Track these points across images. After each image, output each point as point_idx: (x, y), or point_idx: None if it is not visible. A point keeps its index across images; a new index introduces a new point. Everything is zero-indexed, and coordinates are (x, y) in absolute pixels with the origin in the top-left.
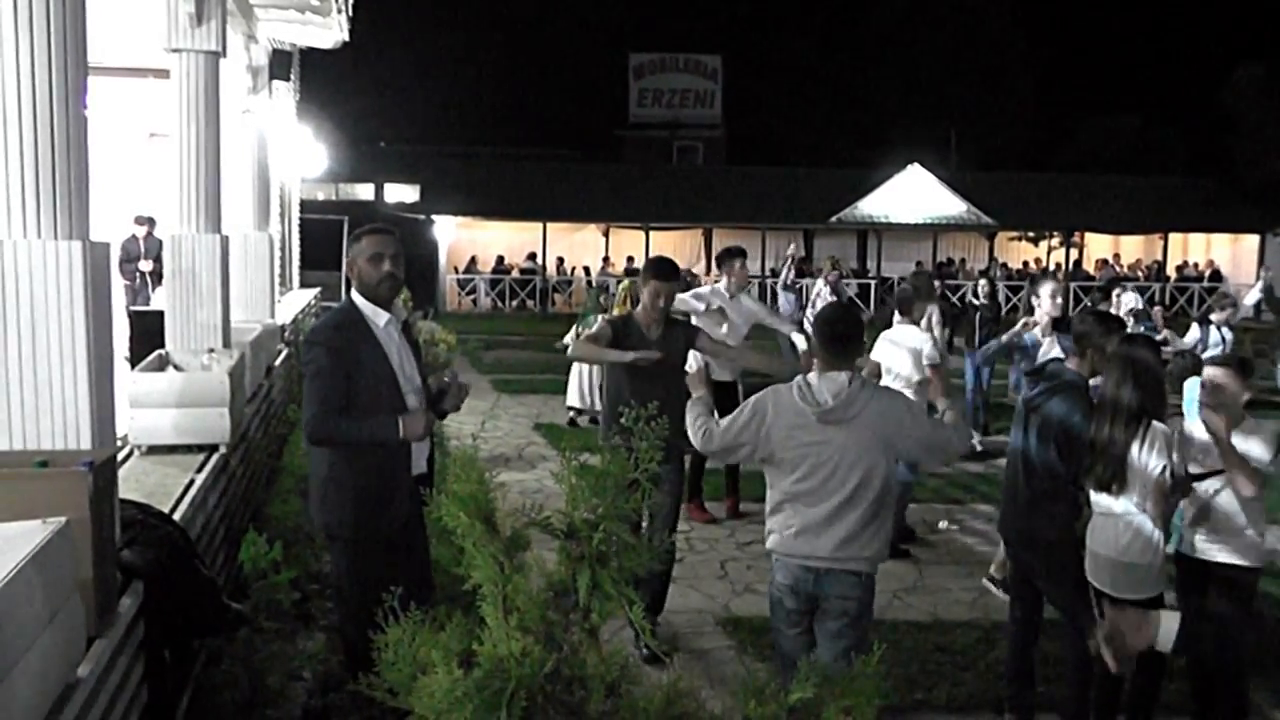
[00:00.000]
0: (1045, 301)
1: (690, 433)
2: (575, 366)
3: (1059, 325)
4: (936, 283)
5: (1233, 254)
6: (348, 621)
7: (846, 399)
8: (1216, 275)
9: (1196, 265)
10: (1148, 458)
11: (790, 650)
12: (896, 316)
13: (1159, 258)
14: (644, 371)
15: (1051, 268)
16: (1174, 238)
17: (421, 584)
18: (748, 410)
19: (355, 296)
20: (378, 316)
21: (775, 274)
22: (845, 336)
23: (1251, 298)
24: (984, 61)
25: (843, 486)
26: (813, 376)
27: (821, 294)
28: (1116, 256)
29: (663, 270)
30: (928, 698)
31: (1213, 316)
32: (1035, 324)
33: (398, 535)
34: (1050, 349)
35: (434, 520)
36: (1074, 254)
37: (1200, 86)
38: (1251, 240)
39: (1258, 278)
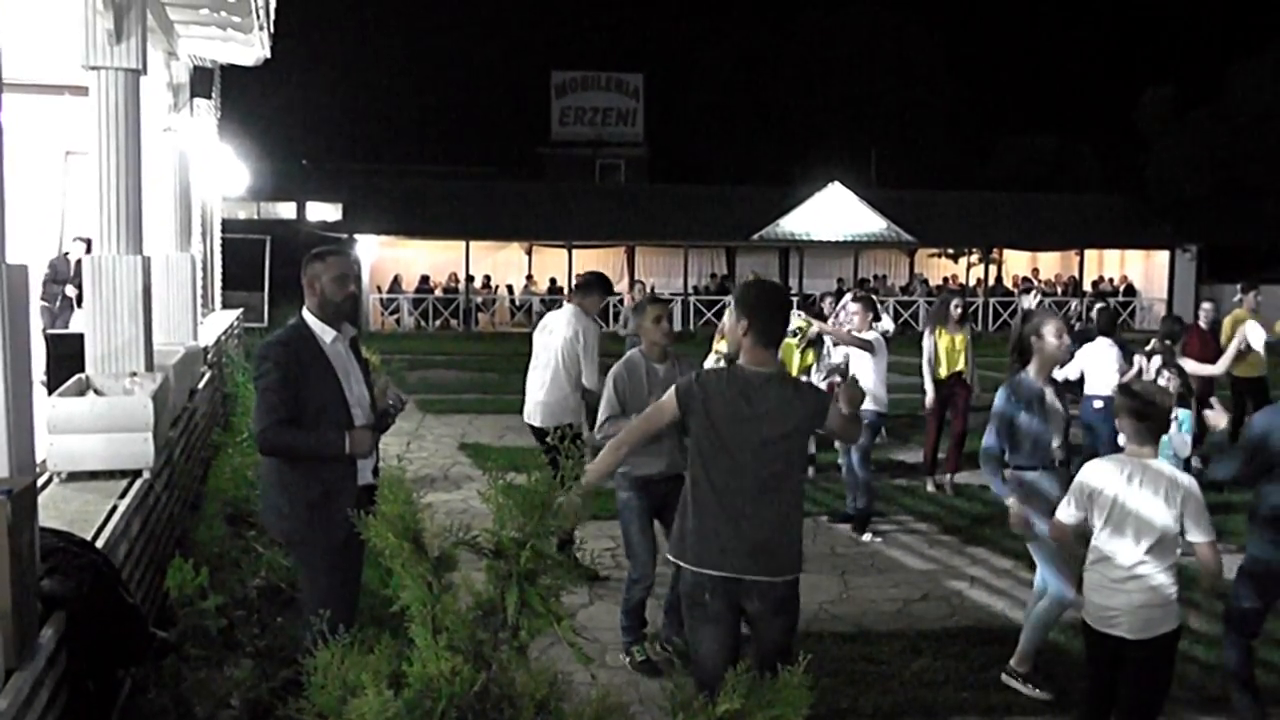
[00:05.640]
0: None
1: None
2: None
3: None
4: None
5: (1145, 270)
6: (307, 627)
7: None
8: (1130, 290)
9: (1111, 280)
10: None
11: None
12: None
13: (1075, 273)
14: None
15: (971, 284)
16: (1090, 254)
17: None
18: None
19: (305, 314)
20: (325, 334)
21: (697, 291)
22: None
23: None
24: (904, 82)
25: None
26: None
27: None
28: (1035, 271)
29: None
30: (854, 706)
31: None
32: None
33: (341, 545)
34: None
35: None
36: (993, 270)
37: (1114, 107)
38: (1162, 256)
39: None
